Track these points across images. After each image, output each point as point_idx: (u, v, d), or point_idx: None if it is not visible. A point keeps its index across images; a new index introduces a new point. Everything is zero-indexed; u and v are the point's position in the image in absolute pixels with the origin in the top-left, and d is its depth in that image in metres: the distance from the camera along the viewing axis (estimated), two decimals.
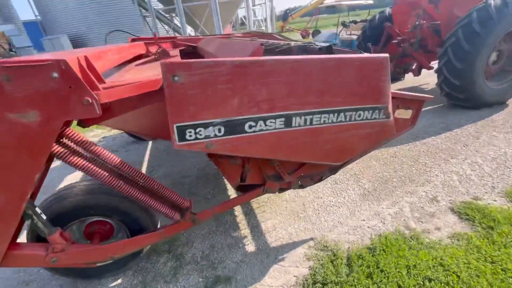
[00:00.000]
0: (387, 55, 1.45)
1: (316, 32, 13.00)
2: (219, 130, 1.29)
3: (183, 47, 3.99)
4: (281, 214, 2.39)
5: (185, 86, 1.17)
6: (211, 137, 1.29)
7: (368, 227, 2.14)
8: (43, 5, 15.72)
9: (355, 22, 8.35)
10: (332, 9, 13.14)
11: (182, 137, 1.26)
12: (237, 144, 1.33)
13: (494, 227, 1.94)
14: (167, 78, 1.14)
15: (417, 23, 4.30)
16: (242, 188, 1.92)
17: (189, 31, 10.57)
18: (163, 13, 9.50)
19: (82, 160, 1.31)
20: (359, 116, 1.54)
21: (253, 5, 10.00)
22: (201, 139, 1.28)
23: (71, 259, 1.53)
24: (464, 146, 3.11)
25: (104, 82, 1.36)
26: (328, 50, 1.70)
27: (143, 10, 9.01)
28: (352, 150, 1.69)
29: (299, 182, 1.97)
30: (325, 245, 2.01)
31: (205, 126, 1.26)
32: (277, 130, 1.39)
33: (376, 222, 2.18)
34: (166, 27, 9.29)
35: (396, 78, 5.78)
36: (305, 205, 2.47)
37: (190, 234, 2.29)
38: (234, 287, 1.80)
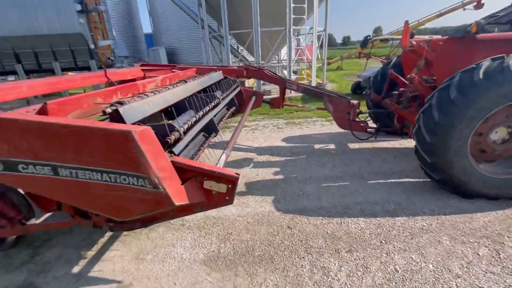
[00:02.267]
0: (130, 129, 1.48)
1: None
2: None
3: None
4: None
5: None
6: None
7: None
8: (155, 21, 19.93)
9: None
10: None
11: None
12: (15, 179, 1.64)
13: None
14: None
15: (408, 76, 3.52)
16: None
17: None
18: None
19: None
20: (124, 180, 1.62)
21: (297, 35, 9.85)
22: None
23: None
24: (381, 242, 2.42)
25: None
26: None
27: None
28: (128, 210, 1.74)
29: (109, 225, 2.11)
30: None
31: None
32: (48, 175, 1.63)
33: None
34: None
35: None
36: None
37: None
38: None
